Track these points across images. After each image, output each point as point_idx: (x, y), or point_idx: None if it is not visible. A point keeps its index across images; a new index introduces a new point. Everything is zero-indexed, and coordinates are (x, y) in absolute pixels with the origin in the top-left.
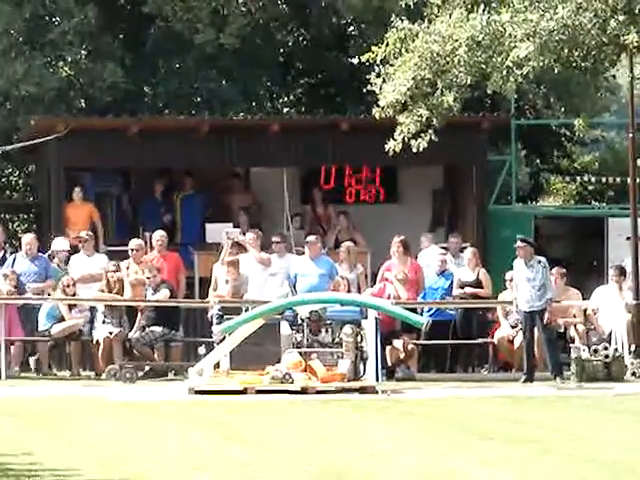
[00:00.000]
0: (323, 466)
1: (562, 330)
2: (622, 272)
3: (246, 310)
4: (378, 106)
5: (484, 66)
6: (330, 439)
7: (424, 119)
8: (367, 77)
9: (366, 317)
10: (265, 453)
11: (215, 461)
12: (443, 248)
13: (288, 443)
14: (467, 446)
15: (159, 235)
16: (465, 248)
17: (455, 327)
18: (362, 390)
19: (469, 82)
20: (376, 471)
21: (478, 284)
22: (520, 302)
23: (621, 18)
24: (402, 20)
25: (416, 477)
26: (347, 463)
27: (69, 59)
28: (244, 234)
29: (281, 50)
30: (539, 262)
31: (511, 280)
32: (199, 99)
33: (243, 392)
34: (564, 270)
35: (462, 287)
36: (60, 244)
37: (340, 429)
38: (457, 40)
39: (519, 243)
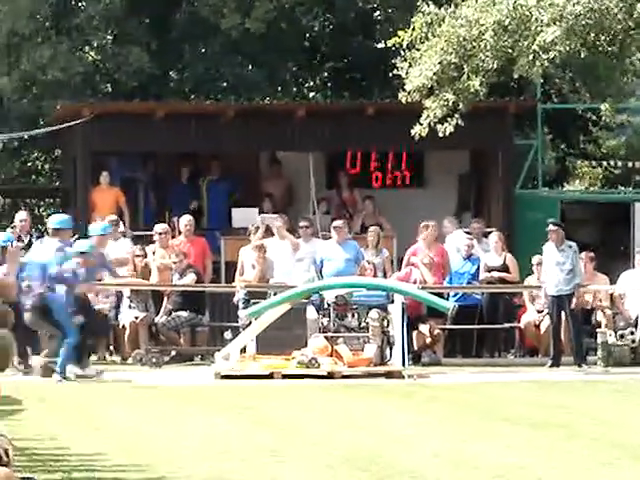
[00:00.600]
0: (349, 451)
1: (589, 308)
2: None
3: (273, 294)
4: (404, 90)
5: (510, 50)
6: (355, 424)
7: (450, 103)
8: (393, 62)
9: (392, 302)
10: (291, 438)
11: (241, 446)
12: (467, 233)
13: (314, 428)
14: (493, 431)
15: (187, 220)
16: (489, 233)
17: (481, 312)
18: (388, 375)
19: (495, 66)
20: (402, 456)
21: (505, 269)
22: (548, 286)
23: None
24: (428, 4)
25: (441, 462)
26: (373, 448)
27: (95, 44)
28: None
29: (307, 35)
30: (570, 247)
31: (538, 264)
32: (225, 84)
33: (269, 377)
34: (593, 254)
35: (489, 272)
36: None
37: (366, 414)
38: (483, 24)
39: (551, 227)
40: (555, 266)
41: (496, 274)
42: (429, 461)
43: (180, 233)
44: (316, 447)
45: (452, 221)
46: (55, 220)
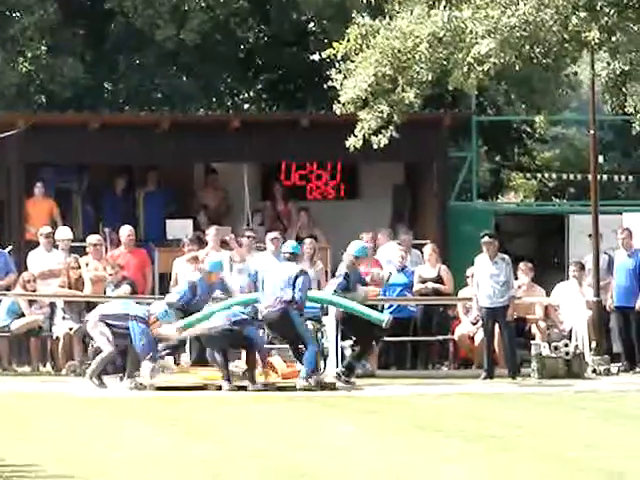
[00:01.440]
0: (284, 464)
1: (523, 319)
2: (582, 268)
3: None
4: (339, 102)
5: (445, 62)
6: (291, 436)
7: (385, 115)
8: (328, 73)
9: (326, 314)
10: (225, 450)
11: (175, 457)
12: (399, 244)
13: (249, 440)
14: (429, 443)
15: (128, 230)
16: (422, 245)
17: (415, 324)
18: (322, 387)
19: (430, 78)
20: (339, 469)
21: (439, 280)
22: (481, 298)
23: (582, 15)
24: (363, 16)
25: (379, 475)
26: (309, 460)
27: (29, 55)
28: (203, 232)
29: (241, 46)
30: (503, 259)
31: (472, 276)
32: (159, 95)
33: (204, 388)
34: (531, 265)
35: (423, 283)
36: (63, 233)
37: (301, 426)
38: (418, 36)
39: (486, 239)
40: (489, 278)
41: (430, 285)
42: (367, 474)
43: (112, 244)
44: (250, 460)
45: (385, 233)
46: None
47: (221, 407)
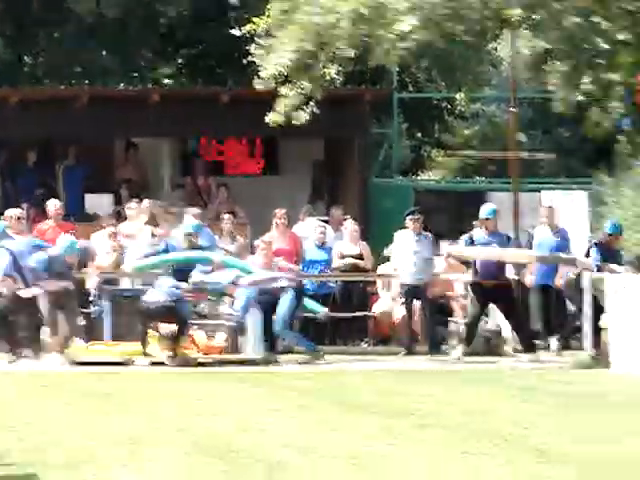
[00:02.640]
0: (205, 439)
1: (443, 297)
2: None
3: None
4: (259, 78)
5: (367, 39)
6: (211, 411)
7: (306, 91)
8: (248, 49)
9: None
10: (148, 425)
11: (99, 432)
12: (323, 221)
13: (170, 415)
14: (349, 420)
15: (57, 205)
16: (345, 220)
17: (335, 300)
18: (242, 362)
19: (352, 55)
20: (258, 444)
21: (359, 256)
22: (403, 275)
23: None
24: None
25: (298, 451)
26: (229, 436)
27: None
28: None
29: (161, 21)
30: (425, 236)
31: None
32: (79, 70)
33: (124, 363)
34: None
35: (343, 259)
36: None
37: (221, 402)
38: (340, 12)
39: (413, 215)
40: (412, 255)
41: (351, 261)
42: (285, 449)
43: (29, 219)
44: (173, 434)
45: (303, 210)
46: None
47: (142, 382)
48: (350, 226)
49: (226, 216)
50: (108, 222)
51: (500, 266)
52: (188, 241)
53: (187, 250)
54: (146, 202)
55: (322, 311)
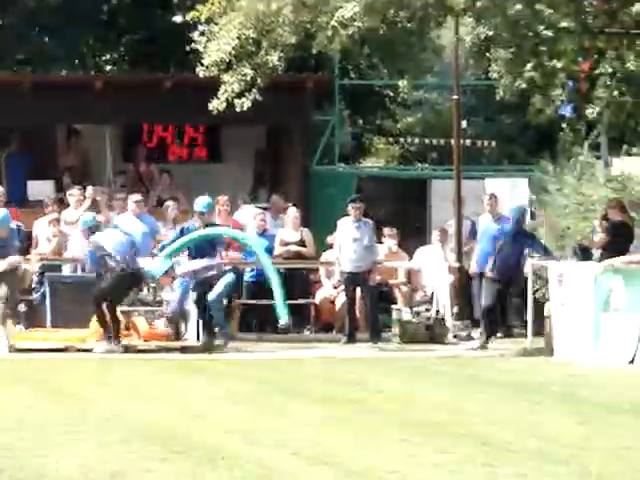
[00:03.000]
0: (144, 425)
1: (385, 284)
2: (445, 233)
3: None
4: (202, 65)
5: (309, 26)
6: (151, 398)
7: (248, 78)
8: (191, 36)
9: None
10: (86, 411)
11: (35, 419)
12: (263, 208)
13: (109, 402)
14: (288, 407)
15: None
16: (287, 208)
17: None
18: (183, 349)
19: (294, 42)
20: (197, 431)
21: (301, 244)
22: (344, 262)
23: None
24: None
25: (237, 438)
26: (169, 423)
27: None
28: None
29: (104, 7)
30: (366, 223)
31: (333, 239)
32: (22, 56)
33: (64, 350)
34: (396, 231)
35: (285, 246)
36: None
37: (161, 388)
38: None
39: (355, 203)
40: (352, 242)
41: (293, 248)
42: (224, 437)
43: None
44: (111, 421)
45: (241, 197)
46: None
47: (82, 369)
48: (291, 213)
49: (170, 203)
50: (51, 209)
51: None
52: (202, 219)
53: (202, 228)
54: (90, 189)
55: (284, 322)
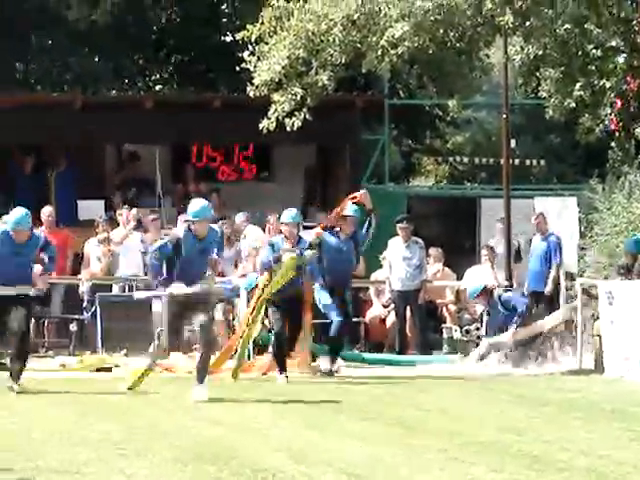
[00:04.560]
0: (196, 444)
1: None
2: (492, 252)
3: (119, 287)
4: (252, 84)
5: (359, 45)
6: (211, 418)
7: (298, 98)
8: (240, 55)
9: (238, 295)
10: (141, 433)
11: (90, 436)
12: (310, 227)
13: (162, 421)
14: (340, 425)
15: (48, 211)
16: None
17: None
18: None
19: (344, 61)
20: (253, 450)
21: None
22: (394, 281)
23: None
24: None
25: (287, 456)
26: (224, 441)
27: None
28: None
29: (154, 27)
30: (416, 242)
31: (384, 259)
32: (71, 76)
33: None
34: (441, 251)
35: None
36: None
37: (224, 409)
38: (332, 19)
39: (403, 224)
40: (402, 262)
41: None
42: (278, 455)
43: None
44: (163, 440)
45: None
46: None
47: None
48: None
49: (221, 221)
50: (101, 229)
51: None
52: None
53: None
54: (134, 210)
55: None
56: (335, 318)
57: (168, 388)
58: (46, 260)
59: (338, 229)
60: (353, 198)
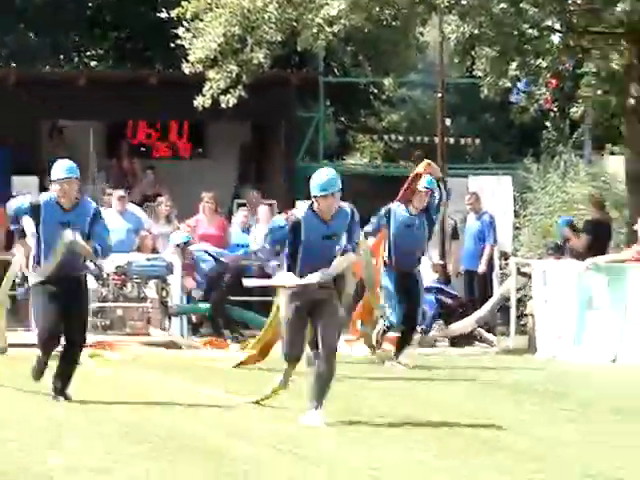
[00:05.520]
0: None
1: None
2: None
3: None
4: (187, 61)
5: (295, 23)
6: (130, 395)
7: (233, 75)
8: (176, 32)
9: (172, 272)
10: (78, 411)
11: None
12: (242, 205)
13: (90, 400)
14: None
15: None
16: (269, 204)
17: None
18: (168, 346)
19: (279, 39)
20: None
21: None
22: None
23: None
24: None
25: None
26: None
27: None
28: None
29: (89, 4)
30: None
31: None
32: (6, 52)
33: None
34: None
35: None
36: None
37: (139, 386)
38: None
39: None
40: None
41: None
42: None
43: None
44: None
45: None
46: None
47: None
48: (262, 211)
49: (161, 199)
50: None
51: None
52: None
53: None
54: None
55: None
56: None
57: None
58: None
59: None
60: (424, 171)
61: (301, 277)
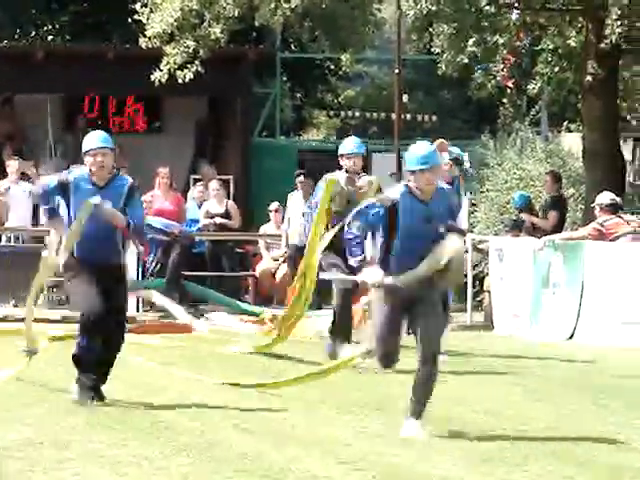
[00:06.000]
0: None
1: None
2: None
3: (7, 239)
4: (144, 36)
5: None
6: None
7: (191, 50)
8: (134, 7)
9: None
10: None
11: None
12: (198, 180)
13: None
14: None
15: None
16: (226, 180)
17: (203, 259)
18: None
19: (236, 14)
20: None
21: (227, 216)
22: (292, 236)
23: None
24: None
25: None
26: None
27: None
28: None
29: None
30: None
31: (275, 211)
32: None
33: None
34: None
35: (211, 218)
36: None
37: None
38: None
39: (301, 178)
40: (301, 216)
41: (218, 220)
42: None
43: None
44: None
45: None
46: None
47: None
48: (213, 186)
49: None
50: None
51: None
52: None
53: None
54: (15, 163)
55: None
56: None
57: None
58: None
59: None
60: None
61: (399, 270)
